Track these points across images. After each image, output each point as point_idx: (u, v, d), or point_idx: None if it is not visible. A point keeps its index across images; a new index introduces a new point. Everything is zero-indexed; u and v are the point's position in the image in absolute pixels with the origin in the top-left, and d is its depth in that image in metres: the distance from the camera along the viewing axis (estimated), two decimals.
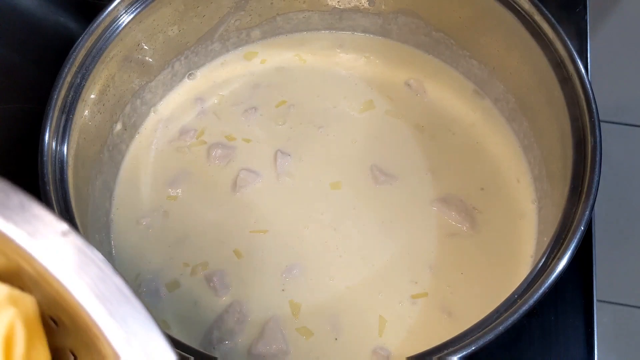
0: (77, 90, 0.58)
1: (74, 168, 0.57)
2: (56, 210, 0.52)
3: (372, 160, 0.67)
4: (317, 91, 0.72)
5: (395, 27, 0.73)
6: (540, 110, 0.62)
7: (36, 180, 0.53)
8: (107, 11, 0.59)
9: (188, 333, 0.58)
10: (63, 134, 0.56)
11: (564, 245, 0.49)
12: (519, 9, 0.60)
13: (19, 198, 0.29)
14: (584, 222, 0.49)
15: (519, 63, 0.63)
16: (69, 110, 0.57)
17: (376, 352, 0.57)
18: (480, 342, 0.47)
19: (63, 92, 0.57)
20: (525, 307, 0.47)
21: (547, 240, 0.52)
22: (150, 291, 0.60)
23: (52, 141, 0.55)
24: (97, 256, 0.29)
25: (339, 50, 0.75)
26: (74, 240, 0.29)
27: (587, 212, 0.50)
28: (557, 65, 0.57)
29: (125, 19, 0.61)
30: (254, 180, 0.66)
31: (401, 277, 0.60)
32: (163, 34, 0.66)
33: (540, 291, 0.47)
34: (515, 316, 0.46)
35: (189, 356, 0.47)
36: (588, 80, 0.55)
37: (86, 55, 0.59)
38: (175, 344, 0.48)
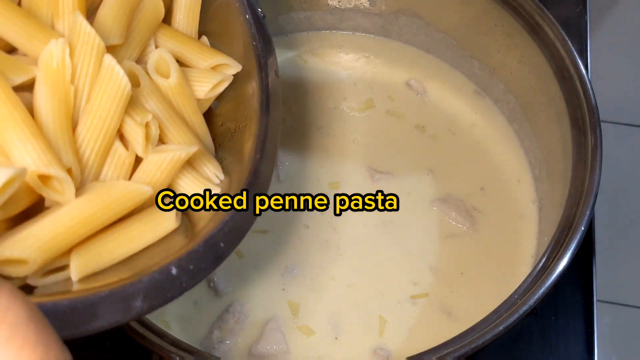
0: None
1: None
2: None
3: (372, 160, 0.67)
4: (317, 91, 0.72)
5: (396, 27, 0.73)
6: (541, 110, 0.62)
7: None
8: None
9: (189, 333, 0.58)
10: None
11: (564, 246, 0.49)
12: (519, 9, 0.60)
13: None
14: (584, 222, 0.49)
15: (519, 63, 0.63)
16: None
17: (376, 352, 0.57)
18: (480, 342, 0.47)
19: None
20: (525, 308, 0.47)
21: (547, 240, 0.52)
22: None
23: None
24: None
25: (339, 50, 0.75)
26: None
27: (588, 212, 0.50)
28: (557, 65, 0.57)
29: None
30: None
31: (401, 277, 0.60)
32: None
33: (541, 291, 0.47)
34: (515, 316, 0.46)
35: (190, 356, 0.47)
36: (588, 80, 0.55)
37: None
38: (176, 344, 0.48)
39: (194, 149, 0.45)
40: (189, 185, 0.46)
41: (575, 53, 0.56)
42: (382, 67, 0.73)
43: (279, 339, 0.57)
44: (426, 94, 0.71)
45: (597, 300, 0.62)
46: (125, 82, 0.41)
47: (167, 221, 0.43)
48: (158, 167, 0.43)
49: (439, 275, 0.60)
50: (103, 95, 0.41)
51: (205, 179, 0.47)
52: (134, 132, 0.43)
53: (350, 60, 0.74)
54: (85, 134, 0.41)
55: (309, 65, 0.74)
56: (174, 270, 0.37)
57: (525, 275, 0.50)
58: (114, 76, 0.41)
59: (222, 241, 0.41)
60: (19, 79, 0.41)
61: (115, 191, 0.41)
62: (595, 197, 0.50)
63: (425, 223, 0.63)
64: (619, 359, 1.06)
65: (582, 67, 0.56)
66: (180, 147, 0.44)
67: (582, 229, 0.49)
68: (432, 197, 0.64)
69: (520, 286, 0.49)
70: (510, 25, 0.61)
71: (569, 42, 0.57)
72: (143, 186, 0.42)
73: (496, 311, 0.48)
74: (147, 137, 0.44)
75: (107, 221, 0.41)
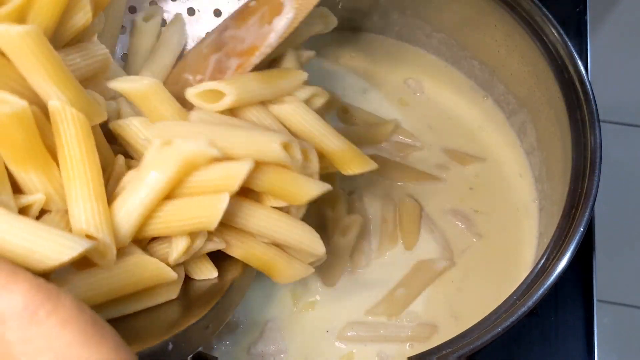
0: None
1: None
2: None
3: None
4: None
5: (396, 28, 0.73)
6: (541, 111, 0.62)
7: None
8: None
9: None
10: None
11: (563, 247, 0.49)
12: (519, 9, 0.60)
13: None
14: (583, 223, 0.49)
15: (519, 64, 0.63)
16: None
17: (379, 355, 0.57)
18: (480, 343, 0.47)
19: None
20: (523, 309, 0.47)
21: (547, 241, 0.52)
22: None
23: None
24: None
25: (338, 48, 0.75)
26: None
27: (587, 214, 0.50)
28: (557, 65, 0.57)
29: None
30: None
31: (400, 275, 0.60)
32: None
33: (539, 293, 0.47)
34: (514, 317, 0.46)
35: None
36: (588, 80, 0.55)
37: None
38: None
39: (221, 245, 0.46)
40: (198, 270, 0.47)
41: (575, 53, 0.56)
42: (380, 66, 0.73)
43: (278, 339, 0.57)
44: (424, 94, 0.71)
45: (597, 300, 0.62)
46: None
47: (170, 292, 0.44)
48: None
49: (440, 276, 0.60)
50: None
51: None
52: None
53: (349, 59, 0.74)
54: None
55: (309, 63, 0.74)
56: (170, 346, 0.39)
57: (525, 276, 0.50)
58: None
59: (211, 322, 0.43)
60: (95, 121, 0.41)
61: (149, 269, 0.41)
62: (595, 197, 0.50)
63: (425, 222, 0.63)
64: (619, 359, 1.06)
65: (582, 68, 0.56)
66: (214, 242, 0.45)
67: (582, 229, 0.49)
68: (432, 196, 0.64)
69: (519, 287, 0.49)
70: (510, 26, 0.61)
71: (569, 42, 0.57)
72: (172, 271, 0.42)
73: (495, 312, 0.48)
74: None
75: (130, 292, 0.41)
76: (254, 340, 0.57)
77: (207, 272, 0.47)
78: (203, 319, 0.42)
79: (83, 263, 0.40)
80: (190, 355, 0.43)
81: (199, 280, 0.47)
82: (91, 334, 0.27)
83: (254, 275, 0.50)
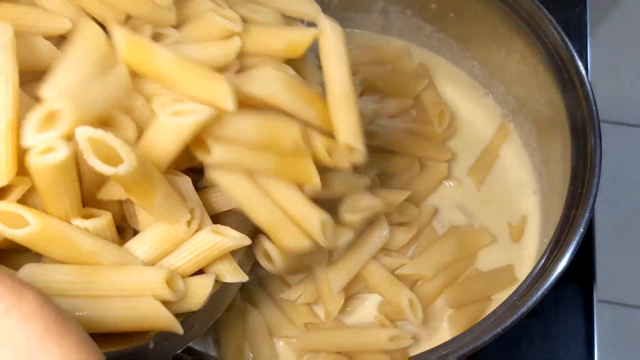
0: None
1: None
2: None
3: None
4: None
5: (397, 27, 0.73)
6: (541, 111, 0.62)
7: None
8: None
9: None
10: None
11: (562, 248, 0.49)
12: (519, 9, 0.60)
13: None
14: (583, 224, 0.49)
15: (519, 64, 0.63)
16: None
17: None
18: (480, 343, 0.47)
19: None
20: (523, 309, 0.47)
21: (547, 241, 0.52)
22: None
23: None
24: None
25: None
26: None
27: (587, 214, 0.50)
28: (557, 66, 0.57)
29: None
30: None
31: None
32: None
33: (539, 293, 0.47)
34: (514, 317, 0.47)
35: (187, 356, 0.47)
36: (588, 81, 0.55)
37: None
38: None
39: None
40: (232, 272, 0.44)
41: (575, 54, 0.56)
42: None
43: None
44: None
45: (597, 300, 0.62)
46: None
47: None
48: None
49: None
50: None
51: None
52: None
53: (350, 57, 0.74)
54: None
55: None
56: (151, 345, 0.39)
57: (525, 276, 0.50)
58: None
59: (197, 322, 0.43)
60: None
61: (158, 318, 0.39)
62: (595, 199, 0.50)
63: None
64: (618, 359, 1.06)
65: (582, 69, 0.56)
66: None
67: (582, 230, 0.49)
68: (432, 197, 0.64)
69: (519, 287, 0.49)
70: (510, 26, 0.61)
71: (569, 42, 0.57)
72: (180, 327, 0.40)
73: (495, 312, 0.48)
74: None
75: (127, 328, 0.39)
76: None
77: (239, 274, 0.43)
78: (188, 318, 0.41)
79: None
80: (174, 354, 0.42)
81: None
82: (53, 329, 0.27)
83: None
